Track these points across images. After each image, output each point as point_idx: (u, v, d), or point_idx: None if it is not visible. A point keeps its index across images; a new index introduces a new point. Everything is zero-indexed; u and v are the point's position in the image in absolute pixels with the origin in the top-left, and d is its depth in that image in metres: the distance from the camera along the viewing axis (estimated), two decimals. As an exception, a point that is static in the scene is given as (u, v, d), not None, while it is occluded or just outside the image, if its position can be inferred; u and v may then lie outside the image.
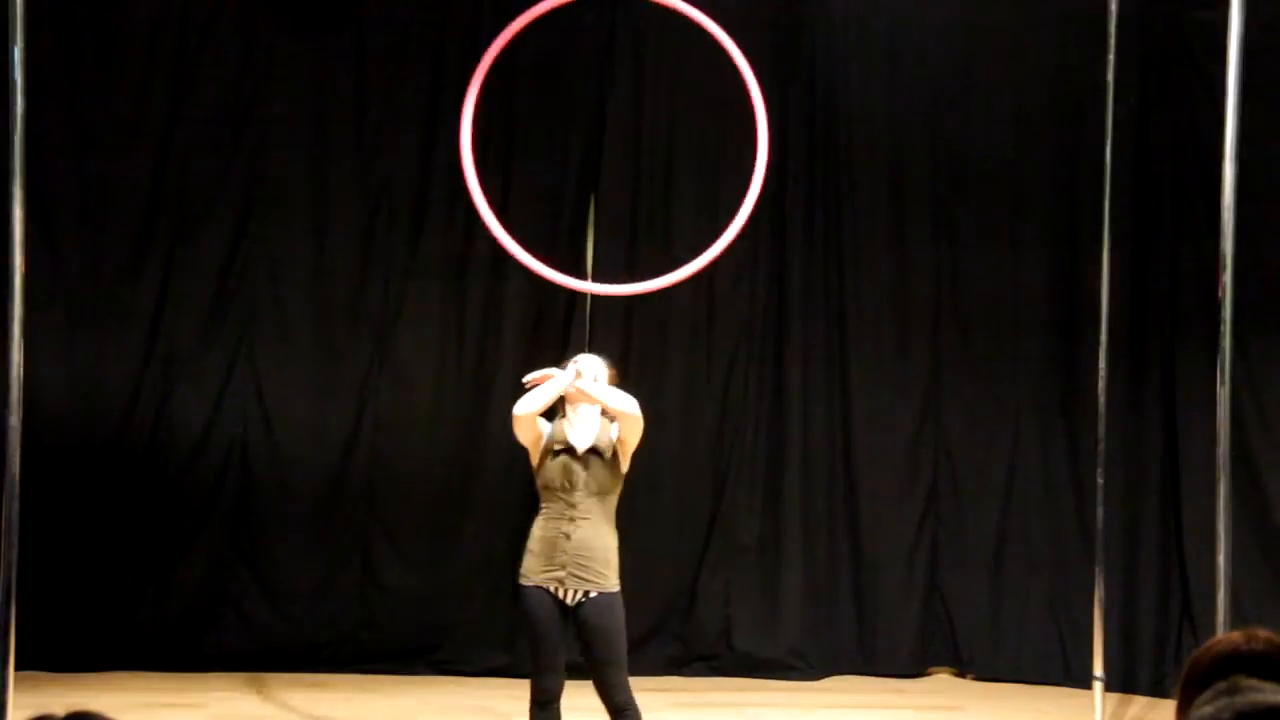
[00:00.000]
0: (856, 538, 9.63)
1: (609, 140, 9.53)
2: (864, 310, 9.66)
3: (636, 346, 9.55)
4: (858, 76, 9.63)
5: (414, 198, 9.41)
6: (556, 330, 9.44)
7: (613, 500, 6.29)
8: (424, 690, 8.83)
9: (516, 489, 9.37)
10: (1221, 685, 2.43)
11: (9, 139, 5.63)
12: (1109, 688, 8.11)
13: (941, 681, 9.54)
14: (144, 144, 9.23)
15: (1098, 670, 7.90)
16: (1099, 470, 7.98)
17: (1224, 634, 2.92)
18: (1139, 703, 8.89)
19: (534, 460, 6.32)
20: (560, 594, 6.16)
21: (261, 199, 9.35)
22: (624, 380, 6.38)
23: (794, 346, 9.63)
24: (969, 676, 9.55)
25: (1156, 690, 8.94)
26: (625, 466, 6.32)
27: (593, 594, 6.17)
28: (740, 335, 9.62)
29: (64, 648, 8.80)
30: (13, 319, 5.64)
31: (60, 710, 2.23)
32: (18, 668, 5.73)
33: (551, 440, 6.26)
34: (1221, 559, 6.49)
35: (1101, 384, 7.94)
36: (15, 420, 5.63)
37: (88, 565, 9.02)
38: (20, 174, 5.63)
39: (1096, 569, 7.97)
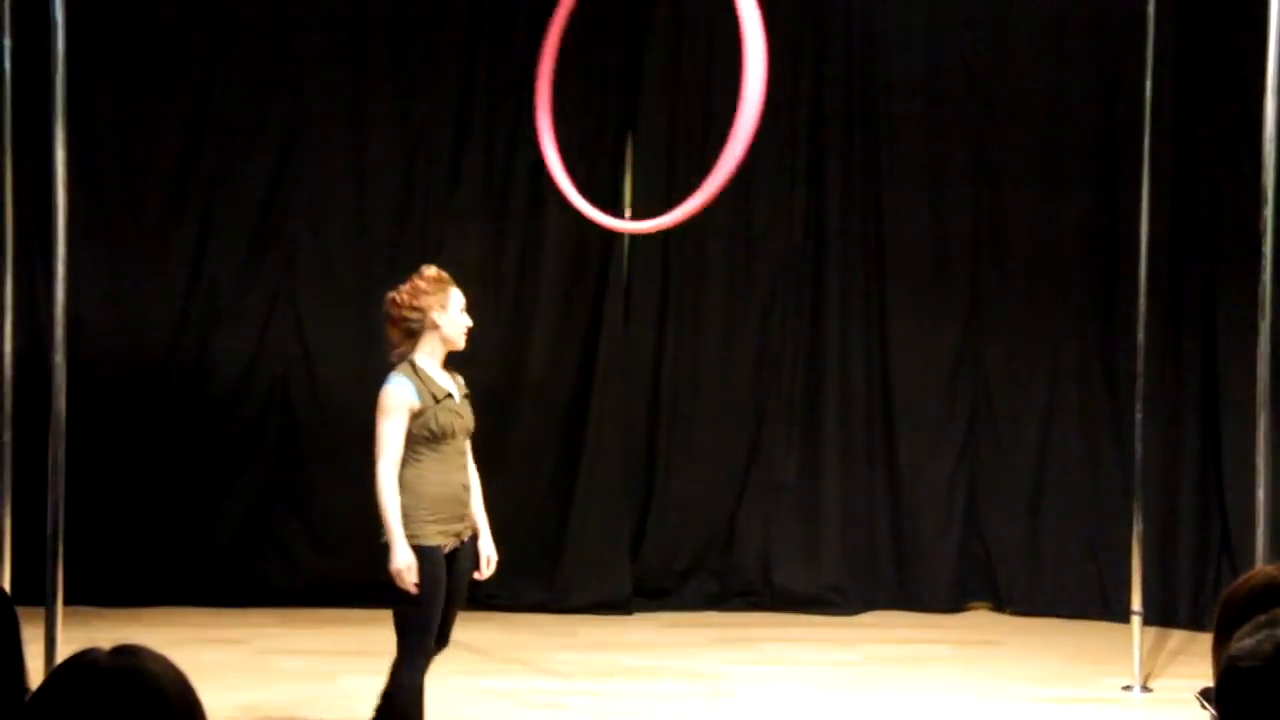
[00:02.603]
0: (895, 474, 9.64)
1: (647, 79, 9.50)
2: (902, 248, 9.63)
3: (674, 285, 9.56)
4: (896, 13, 9.57)
5: (453, 137, 9.41)
6: (595, 270, 9.45)
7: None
8: (463, 626, 8.87)
9: (553, 429, 9.43)
10: (1261, 618, 2.43)
11: (50, 79, 5.65)
12: (1147, 621, 8.12)
13: (980, 616, 9.57)
14: (184, 83, 9.25)
15: (1136, 604, 7.90)
16: (1137, 405, 7.97)
17: (1259, 567, 2.93)
18: (1177, 636, 8.89)
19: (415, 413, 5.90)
20: (447, 548, 5.95)
21: (301, 138, 9.37)
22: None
23: (832, 284, 9.61)
24: (1007, 611, 9.56)
25: (1195, 624, 8.94)
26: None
27: (466, 537, 6.02)
28: (778, 273, 9.61)
29: (110, 583, 8.90)
30: (56, 258, 5.68)
31: (106, 644, 2.26)
32: (65, 603, 5.81)
33: (429, 390, 5.92)
34: (1260, 492, 6.49)
35: (1141, 319, 7.91)
36: (60, 359, 5.68)
37: (133, 502, 9.12)
38: (62, 114, 5.66)
39: (1135, 503, 7.97)
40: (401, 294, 5.99)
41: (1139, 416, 7.96)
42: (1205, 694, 2.79)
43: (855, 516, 9.62)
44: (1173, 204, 9.12)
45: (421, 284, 5.97)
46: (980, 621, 9.49)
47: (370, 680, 7.61)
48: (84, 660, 2.23)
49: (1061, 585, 9.50)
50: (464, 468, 6.06)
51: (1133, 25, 8.24)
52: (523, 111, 9.46)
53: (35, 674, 2.57)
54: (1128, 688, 7.89)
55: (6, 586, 5.67)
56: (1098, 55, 9.45)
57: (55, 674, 2.25)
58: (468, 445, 6.11)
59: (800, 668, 8.31)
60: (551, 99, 6.33)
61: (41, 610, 5.61)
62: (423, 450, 5.90)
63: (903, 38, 9.56)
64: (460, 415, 6.01)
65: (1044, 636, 9.07)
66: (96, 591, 8.67)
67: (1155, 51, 7.82)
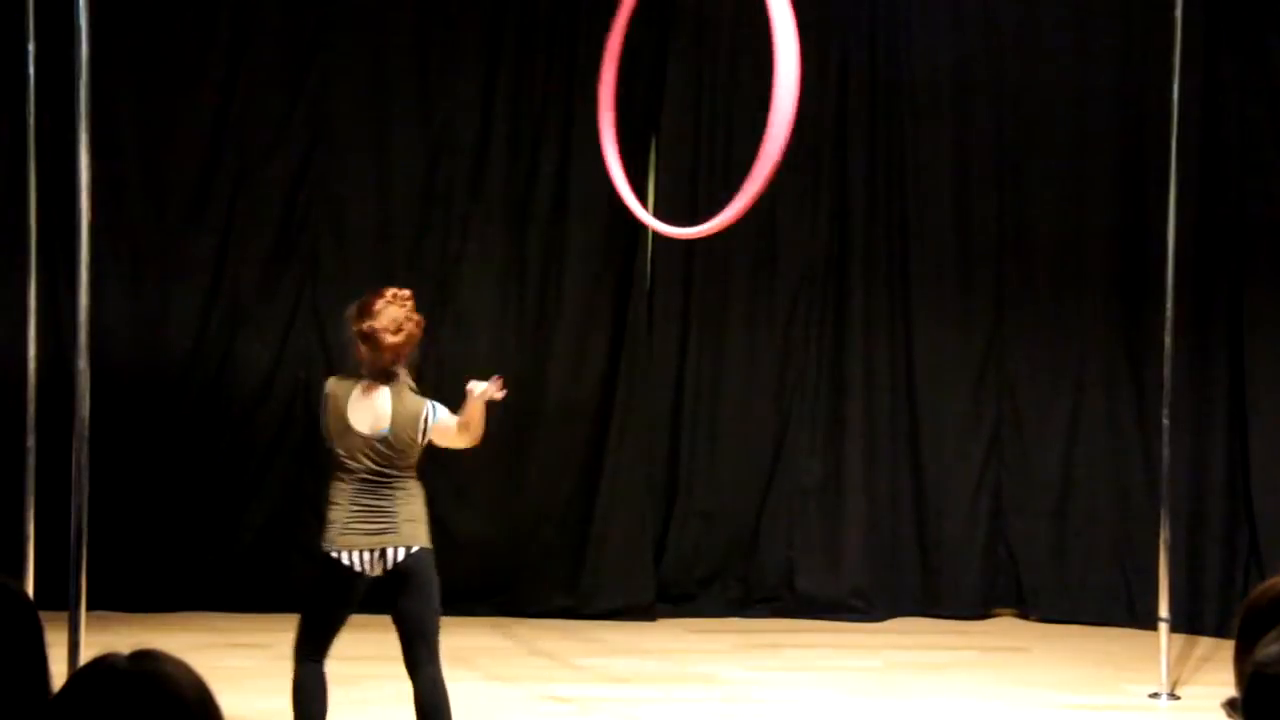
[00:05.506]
0: (919, 479, 9.61)
1: (670, 81, 9.50)
2: (926, 251, 9.61)
3: (697, 289, 9.54)
4: (920, 18, 9.54)
5: (475, 142, 9.41)
6: (617, 275, 9.44)
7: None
8: (487, 632, 8.90)
9: (577, 434, 9.41)
10: (1285, 627, 2.42)
11: (74, 86, 5.66)
12: (1174, 629, 8.07)
13: (1005, 623, 9.54)
14: (206, 88, 9.27)
15: (1163, 611, 7.86)
16: (1164, 411, 7.93)
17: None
18: (1204, 644, 8.84)
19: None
20: None
21: (323, 144, 9.38)
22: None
23: (856, 287, 9.58)
24: (1033, 618, 9.52)
25: (1222, 631, 8.88)
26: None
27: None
28: (802, 276, 9.59)
29: (133, 588, 8.91)
30: (80, 265, 5.68)
31: (126, 649, 2.26)
32: (88, 608, 5.81)
33: None
34: (1288, 499, 6.45)
35: (1167, 323, 7.87)
36: (84, 365, 5.69)
37: (156, 507, 9.13)
38: (85, 120, 5.66)
39: (1162, 509, 7.93)
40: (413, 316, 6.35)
41: (1166, 422, 7.92)
42: (1231, 703, 2.76)
43: (879, 522, 9.59)
44: (1200, 207, 9.07)
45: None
46: (1005, 628, 9.45)
47: (389, 686, 7.62)
48: (103, 665, 2.23)
49: (1087, 591, 9.45)
50: None
51: (1160, 26, 8.22)
52: (545, 115, 9.49)
53: (58, 679, 2.57)
54: (1155, 695, 7.85)
55: (30, 591, 5.68)
56: (1124, 56, 9.41)
57: (75, 678, 2.25)
58: None
59: (823, 674, 8.29)
60: (614, 101, 6.40)
61: (64, 615, 5.62)
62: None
63: (927, 40, 9.54)
64: None
65: (1069, 643, 9.03)
66: (119, 597, 8.67)
67: (1182, 53, 7.78)
